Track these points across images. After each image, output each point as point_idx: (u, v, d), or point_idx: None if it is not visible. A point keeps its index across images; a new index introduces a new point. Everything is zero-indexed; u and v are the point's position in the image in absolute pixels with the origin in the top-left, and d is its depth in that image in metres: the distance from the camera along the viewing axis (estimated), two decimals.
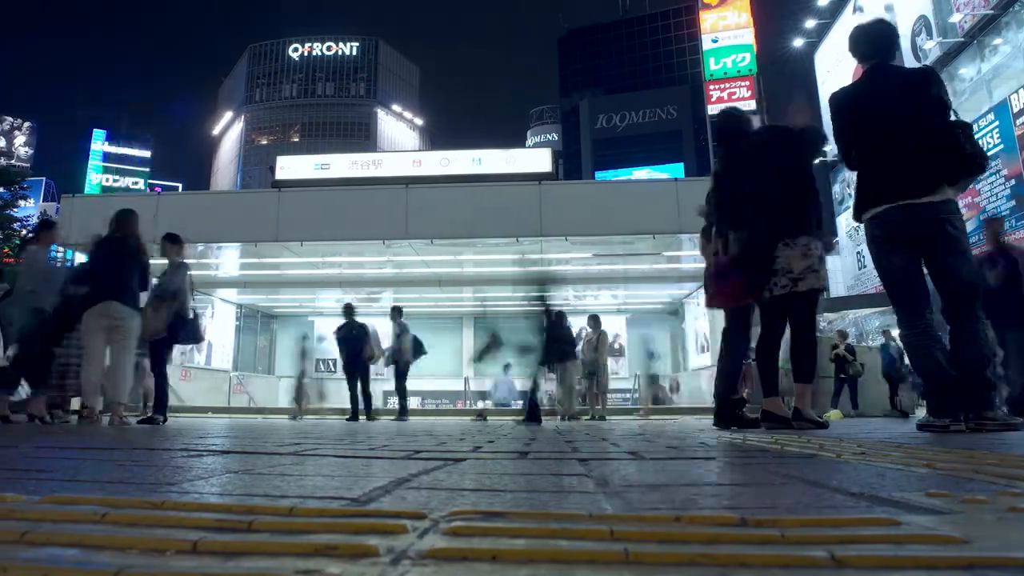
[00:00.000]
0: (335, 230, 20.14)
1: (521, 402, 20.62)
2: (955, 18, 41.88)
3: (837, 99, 7.24)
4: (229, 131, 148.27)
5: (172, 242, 12.16)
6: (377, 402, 22.56)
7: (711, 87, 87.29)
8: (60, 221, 12.38)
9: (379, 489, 2.43)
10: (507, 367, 28.07)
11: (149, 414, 11.84)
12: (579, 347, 20.75)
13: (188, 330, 12.27)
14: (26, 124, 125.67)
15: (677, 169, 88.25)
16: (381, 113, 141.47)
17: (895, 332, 17.15)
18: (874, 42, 7.05)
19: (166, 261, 12.17)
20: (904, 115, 6.60)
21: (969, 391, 6.28)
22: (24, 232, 43.91)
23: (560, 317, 19.47)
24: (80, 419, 10.29)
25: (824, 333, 25.48)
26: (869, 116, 6.87)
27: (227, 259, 23.90)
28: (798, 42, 63.82)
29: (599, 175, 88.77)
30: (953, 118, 6.57)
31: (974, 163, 6.44)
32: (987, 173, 37.06)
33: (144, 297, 11.22)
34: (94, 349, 10.46)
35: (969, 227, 37.09)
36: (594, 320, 20.55)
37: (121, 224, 10.87)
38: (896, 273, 6.79)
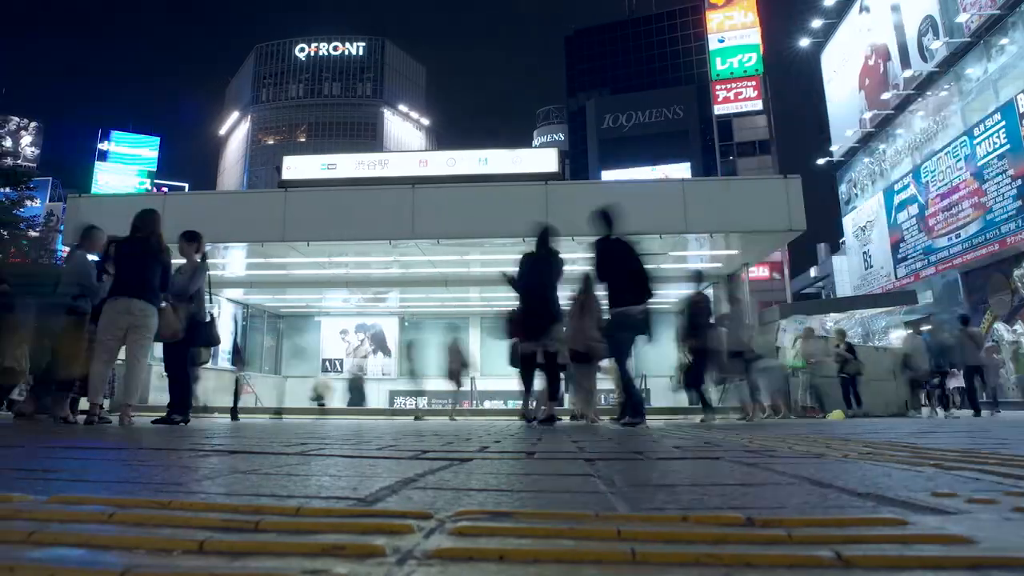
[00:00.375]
0: (342, 230, 20.06)
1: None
2: (962, 18, 41.84)
3: (597, 246, 12.55)
4: (235, 131, 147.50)
5: (189, 240, 12.03)
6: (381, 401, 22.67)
7: (717, 87, 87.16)
8: (101, 227, 12.16)
9: (385, 489, 2.43)
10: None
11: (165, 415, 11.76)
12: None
13: (205, 332, 12.22)
14: (32, 124, 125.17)
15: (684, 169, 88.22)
16: (387, 113, 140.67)
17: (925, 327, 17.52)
18: (615, 219, 12.31)
19: (182, 260, 12.09)
20: (628, 262, 12.01)
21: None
22: (31, 232, 43.85)
23: None
24: (87, 420, 10.26)
25: (829, 333, 25.52)
26: (612, 259, 12.13)
27: (233, 259, 23.84)
28: (804, 42, 63.89)
29: (605, 175, 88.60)
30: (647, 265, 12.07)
31: (652, 292, 11.93)
32: (994, 174, 37.13)
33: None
34: (108, 347, 10.36)
35: (975, 227, 37.29)
36: None
37: (143, 223, 10.84)
38: (623, 343, 12.00)
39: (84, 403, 11.53)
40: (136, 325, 10.34)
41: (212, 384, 22.88)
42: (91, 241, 11.58)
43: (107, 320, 10.29)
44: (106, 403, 11.70)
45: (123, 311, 10.25)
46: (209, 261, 12.83)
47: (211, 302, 12.69)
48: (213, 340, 13.02)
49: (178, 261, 11.99)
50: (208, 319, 12.27)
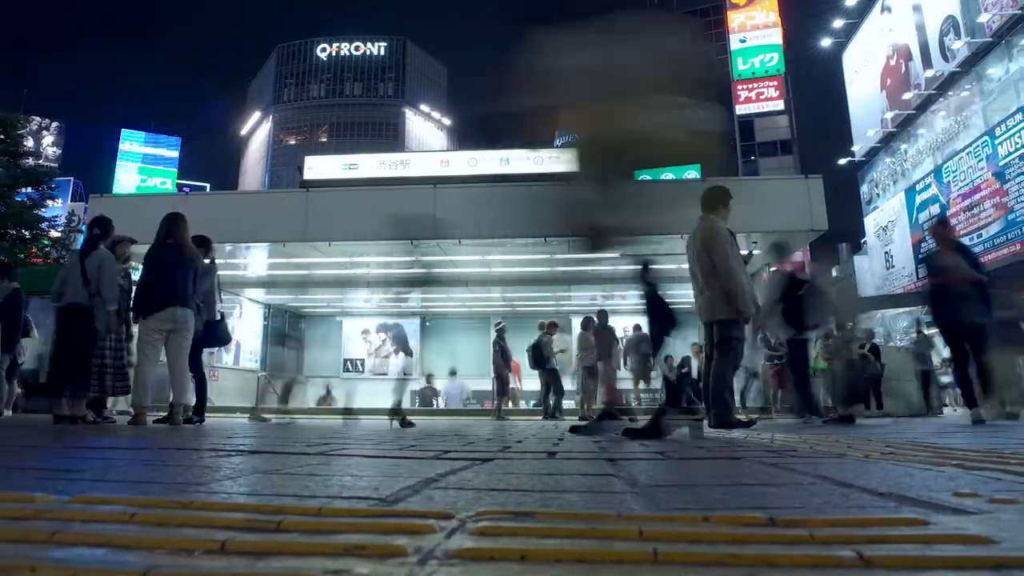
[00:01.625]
0: (363, 230, 20.13)
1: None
2: (983, 18, 41.67)
3: None
4: (257, 131, 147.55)
5: (199, 245, 12.10)
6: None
7: (739, 87, 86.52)
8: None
9: (407, 489, 2.44)
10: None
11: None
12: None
13: (216, 332, 12.31)
14: (54, 124, 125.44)
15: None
16: (409, 113, 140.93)
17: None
18: None
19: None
20: None
21: None
22: (52, 232, 43.87)
23: (603, 316, 19.36)
24: (133, 421, 10.31)
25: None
26: None
27: (255, 259, 23.88)
28: (826, 42, 63.75)
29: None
30: None
31: None
32: (1015, 173, 37.20)
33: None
34: (154, 352, 10.65)
35: (997, 227, 37.17)
36: (587, 321, 20.35)
37: (174, 229, 10.97)
38: None
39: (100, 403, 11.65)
40: (178, 330, 10.68)
41: (232, 384, 22.96)
42: (109, 235, 11.56)
43: (153, 327, 10.57)
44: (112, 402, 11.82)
45: (168, 319, 10.56)
46: (231, 261, 12.96)
47: (220, 302, 12.79)
48: (225, 339, 13.18)
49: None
50: (218, 318, 12.37)
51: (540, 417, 19.48)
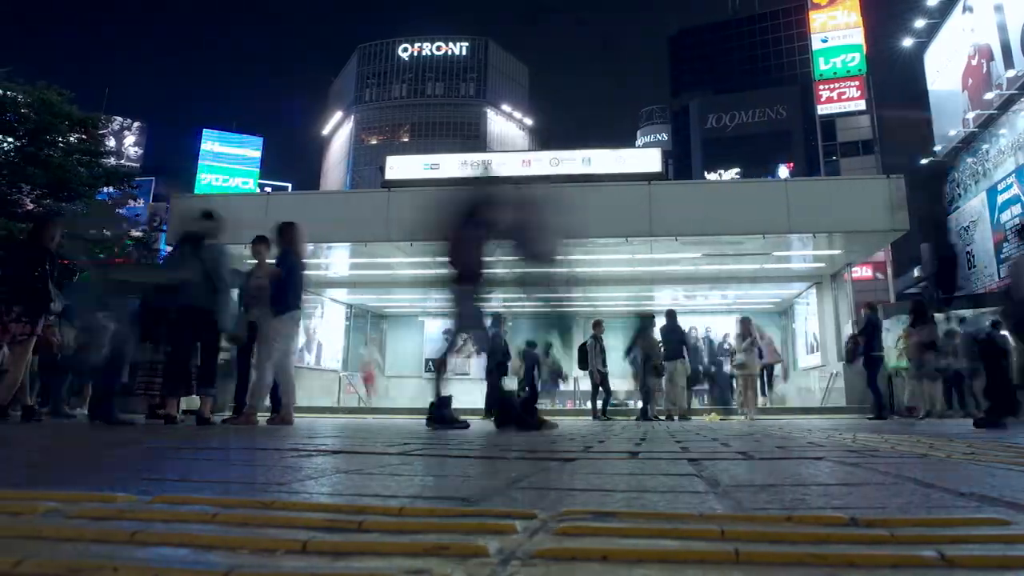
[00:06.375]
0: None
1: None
2: None
3: None
4: (339, 131, 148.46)
5: (262, 243, 12.00)
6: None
7: (821, 87, 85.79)
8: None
9: (489, 489, 2.47)
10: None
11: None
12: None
13: None
14: (136, 124, 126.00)
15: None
16: (491, 113, 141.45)
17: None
18: None
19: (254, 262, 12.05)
20: None
21: None
22: (133, 232, 44.22)
23: (671, 316, 19.19)
24: (281, 420, 10.77)
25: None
26: None
27: (337, 259, 24.42)
28: (907, 42, 62.85)
29: (709, 175, 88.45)
30: None
31: None
32: None
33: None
34: (274, 354, 10.83)
35: None
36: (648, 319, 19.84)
37: (291, 235, 11.37)
38: None
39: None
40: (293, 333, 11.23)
41: (316, 384, 23.11)
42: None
43: (281, 330, 10.93)
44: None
45: (293, 321, 11.11)
46: (313, 261, 13.04)
47: None
48: None
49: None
50: None
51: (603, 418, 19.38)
